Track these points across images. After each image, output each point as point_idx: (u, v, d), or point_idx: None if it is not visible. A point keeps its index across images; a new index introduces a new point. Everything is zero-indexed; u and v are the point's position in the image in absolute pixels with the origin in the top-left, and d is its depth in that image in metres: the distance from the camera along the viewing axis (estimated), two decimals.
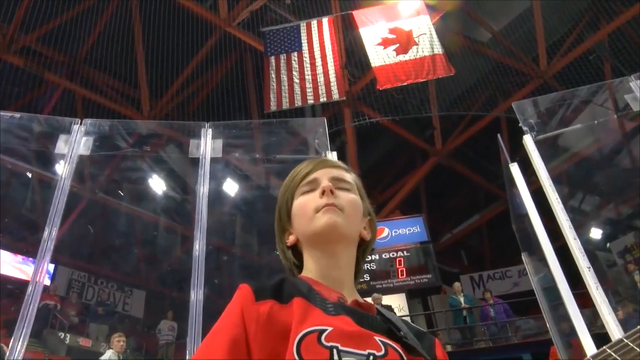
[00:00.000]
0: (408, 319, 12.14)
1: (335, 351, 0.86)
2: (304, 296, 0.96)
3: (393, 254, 12.45)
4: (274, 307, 0.93)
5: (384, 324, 0.98)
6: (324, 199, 1.04)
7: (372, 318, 0.98)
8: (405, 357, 0.92)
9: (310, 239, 1.06)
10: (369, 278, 12.09)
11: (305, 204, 1.06)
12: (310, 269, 1.05)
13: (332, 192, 1.04)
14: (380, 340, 0.91)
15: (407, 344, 0.95)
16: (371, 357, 0.88)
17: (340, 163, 1.15)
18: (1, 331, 9.63)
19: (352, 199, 1.07)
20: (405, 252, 12.48)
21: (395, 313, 1.10)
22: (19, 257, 13.35)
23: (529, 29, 13.53)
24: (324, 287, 1.01)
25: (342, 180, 1.09)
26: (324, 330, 0.88)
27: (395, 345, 0.92)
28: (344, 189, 1.08)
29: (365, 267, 10.60)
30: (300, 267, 1.10)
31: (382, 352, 0.89)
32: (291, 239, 1.10)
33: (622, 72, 11.72)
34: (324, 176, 1.08)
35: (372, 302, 1.06)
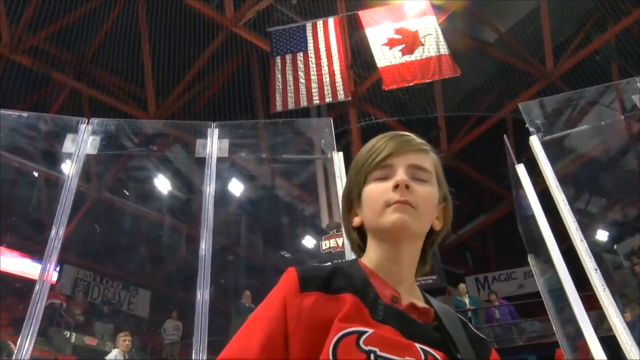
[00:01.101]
0: None
1: (372, 356, 0.84)
2: (356, 292, 0.92)
3: None
4: (319, 300, 0.90)
5: (436, 333, 0.94)
6: (397, 193, 0.95)
7: (422, 328, 0.94)
8: None
9: (375, 231, 0.99)
10: None
11: (376, 194, 0.97)
12: (371, 257, 1.00)
13: (407, 186, 0.95)
14: (421, 348, 0.88)
15: (454, 356, 0.91)
16: None
17: (420, 144, 1.02)
18: (7, 329, 9.68)
19: (427, 193, 0.98)
20: None
21: (455, 313, 1.07)
22: (25, 256, 13.41)
23: (535, 29, 13.48)
24: (380, 281, 0.96)
25: (421, 168, 0.99)
26: (364, 333, 0.86)
27: (436, 354, 0.89)
28: (421, 180, 0.98)
29: None
30: (363, 248, 1.04)
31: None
32: (357, 221, 1.02)
33: (629, 73, 11.66)
34: (401, 164, 0.97)
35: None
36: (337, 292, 0.91)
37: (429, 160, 1.02)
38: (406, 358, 0.86)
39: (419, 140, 1.02)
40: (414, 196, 0.95)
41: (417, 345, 0.88)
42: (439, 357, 0.89)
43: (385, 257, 0.98)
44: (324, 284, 0.92)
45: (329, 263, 1.00)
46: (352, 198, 1.02)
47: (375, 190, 0.97)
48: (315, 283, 0.92)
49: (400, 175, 0.96)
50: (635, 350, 2.92)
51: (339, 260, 1.03)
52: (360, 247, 1.05)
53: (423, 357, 0.87)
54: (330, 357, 0.82)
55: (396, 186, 0.95)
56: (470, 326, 1.02)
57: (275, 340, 0.87)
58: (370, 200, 0.98)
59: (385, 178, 0.97)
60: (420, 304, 0.98)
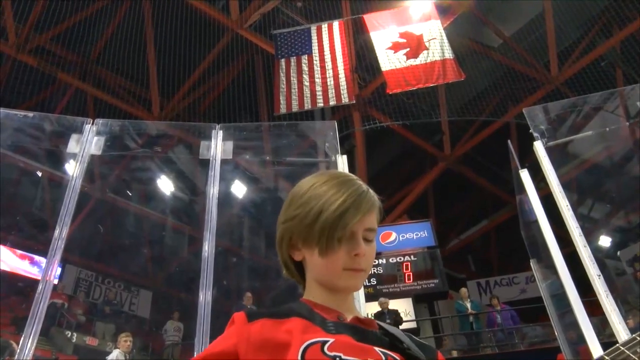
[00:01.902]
0: (414, 324, 12.04)
1: None
2: (303, 317, 0.97)
3: (400, 259, 12.42)
4: (267, 323, 0.94)
5: (386, 337, 1.00)
6: (355, 261, 0.99)
7: (373, 334, 1.00)
8: None
9: (325, 284, 1.03)
10: (375, 282, 12.07)
11: (336, 259, 0.99)
12: (314, 296, 1.04)
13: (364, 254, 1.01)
14: (381, 351, 0.94)
15: (409, 355, 0.97)
16: None
17: (374, 202, 1.03)
18: (9, 328, 9.71)
19: (373, 253, 1.04)
20: (412, 257, 12.44)
21: (401, 319, 1.10)
22: (28, 255, 13.45)
23: (540, 34, 13.47)
24: (325, 309, 1.02)
25: (371, 229, 1.02)
26: (327, 341, 0.91)
27: (395, 355, 0.95)
28: (370, 240, 1.02)
29: (372, 271, 10.50)
30: (299, 278, 1.09)
31: None
32: (299, 256, 1.05)
33: (634, 79, 11.65)
34: (360, 230, 0.99)
35: (380, 307, 1.07)
36: (284, 317, 0.97)
37: (376, 215, 1.04)
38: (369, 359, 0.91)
39: (371, 193, 1.03)
40: (366, 261, 1.01)
41: (376, 348, 0.94)
42: (397, 358, 0.95)
43: (330, 298, 1.03)
44: (269, 313, 0.98)
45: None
46: (298, 238, 1.02)
47: (336, 256, 0.98)
48: (261, 314, 0.98)
49: (361, 247, 0.99)
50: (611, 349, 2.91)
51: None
52: (296, 276, 1.10)
53: (383, 358, 0.92)
54: None
55: (356, 254, 0.99)
56: (414, 336, 1.08)
57: None
58: (329, 262, 0.99)
59: (343, 239, 0.99)
60: (363, 316, 1.05)
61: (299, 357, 0.87)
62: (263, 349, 0.90)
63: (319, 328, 0.95)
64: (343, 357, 0.89)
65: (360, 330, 0.98)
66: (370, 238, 1.02)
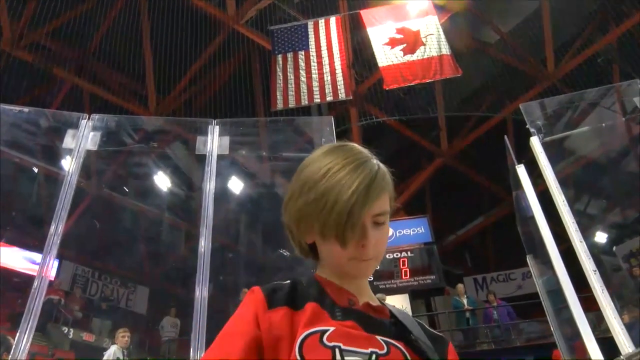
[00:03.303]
0: None
1: (337, 350, 0.87)
2: (315, 300, 0.96)
3: (397, 255, 12.44)
4: (287, 314, 0.93)
5: (394, 327, 0.98)
6: (363, 253, 0.97)
7: (380, 322, 0.98)
8: (409, 356, 0.92)
9: (336, 270, 1.01)
10: (372, 278, 12.06)
11: (342, 249, 0.96)
12: (326, 272, 1.03)
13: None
14: (383, 340, 0.92)
15: (414, 346, 0.95)
16: (374, 356, 0.89)
17: (384, 185, 1.00)
18: (5, 324, 9.69)
19: (385, 237, 1.00)
20: (409, 253, 12.46)
21: (409, 314, 1.08)
22: (24, 251, 13.41)
23: (537, 31, 13.47)
24: (336, 289, 1.00)
25: (381, 214, 0.98)
26: (326, 331, 0.89)
27: (398, 345, 0.93)
28: (380, 224, 0.99)
29: None
30: (316, 256, 1.06)
31: (385, 351, 0.90)
32: (310, 239, 1.03)
33: (630, 75, 11.66)
34: (368, 219, 0.96)
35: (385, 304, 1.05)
36: (302, 304, 0.95)
37: (388, 194, 1.01)
38: (370, 349, 0.89)
39: (380, 175, 0.99)
40: (375, 249, 0.98)
41: (379, 337, 0.92)
42: (400, 347, 0.93)
43: (343, 280, 1.02)
44: (288, 299, 0.96)
45: (288, 281, 1.02)
46: (314, 226, 0.98)
47: (344, 247, 0.96)
48: (280, 299, 0.95)
49: (369, 238, 0.96)
50: (632, 351, 2.93)
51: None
52: (310, 255, 1.07)
53: (386, 348, 0.91)
54: (297, 356, 0.86)
55: (363, 245, 0.96)
56: (427, 327, 1.06)
57: (253, 353, 0.89)
58: (337, 252, 0.97)
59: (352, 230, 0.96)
60: (376, 303, 1.02)
61: (297, 348, 0.87)
62: (283, 343, 0.89)
63: (326, 314, 0.94)
64: (342, 347, 0.88)
65: (368, 318, 0.97)
66: (381, 221, 0.98)
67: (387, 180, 1.01)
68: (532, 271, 5.70)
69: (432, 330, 1.06)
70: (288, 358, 0.87)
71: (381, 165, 1.02)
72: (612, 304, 3.22)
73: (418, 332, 0.99)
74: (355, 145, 1.06)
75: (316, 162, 1.00)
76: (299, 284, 1.00)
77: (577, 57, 13.08)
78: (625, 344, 2.97)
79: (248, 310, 0.95)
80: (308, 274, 1.08)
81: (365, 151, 1.03)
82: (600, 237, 13.93)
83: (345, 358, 0.87)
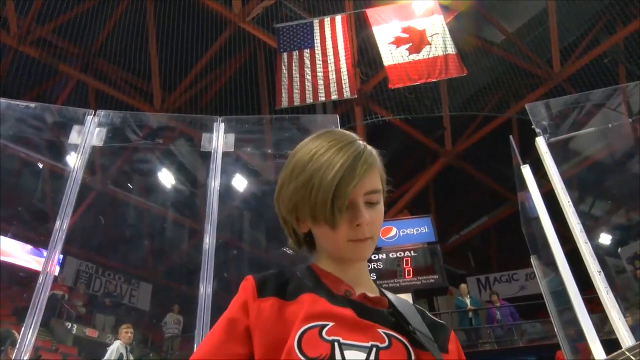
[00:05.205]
0: None
1: (336, 344, 0.86)
2: (310, 290, 0.95)
3: (400, 254, 12.42)
4: (276, 304, 0.93)
5: (392, 317, 0.97)
6: (359, 231, 0.95)
7: (377, 312, 0.96)
8: (411, 350, 0.91)
9: (333, 255, 1.01)
10: (375, 277, 12.07)
11: (337, 231, 0.95)
12: (324, 265, 1.02)
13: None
14: (384, 332, 0.91)
15: (413, 338, 0.93)
16: (374, 349, 0.87)
17: (371, 162, 0.98)
18: (10, 319, 9.74)
19: (380, 216, 0.99)
20: (412, 252, 12.44)
21: (411, 303, 1.06)
22: (29, 247, 13.47)
23: (543, 30, 13.42)
24: (333, 279, 0.99)
25: (373, 191, 0.97)
26: (325, 325, 0.88)
27: (400, 337, 0.91)
28: (374, 203, 0.97)
29: (372, 266, 10.50)
30: (311, 246, 1.06)
31: (386, 344, 0.89)
32: (305, 227, 1.01)
33: (637, 76, 11.61)
34: (360, 197, 0.95)
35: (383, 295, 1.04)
36: (293, 297, 0.94)
37: (377, 172, 1.00)
38: (370, 343, 0.88)
39: (367, 153, 0.97)
40: (371, 228, 0.96)
41: (380, 330, 0.91)
42: (403, 340, 0.91)
43: (340, 267, 1.01)
44: (279, 289, 0.95)
45: (282, 270, 1.01)
46: (303, 212, 0.97)
47: (339, 228, 0.94)
48: (271, 288, 0.96)
49: (363, 216, 0.94)
50: (634, 344, 2.91)
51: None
52: (304, 245, 1.07)
53: (387, 341, 0.89)
54: (296, 351, 0.85)
55: (358, 224, 0.94)
56: (428, 314, 1.05)
57: (238, 340, 0.90)
58: (332, 234, 0.95)
59: (343, 209, 0.94)
60: (373, 294, 1.00)
61: (295, 343, 0.86)
62: (271, 331, 0.90)
63: (324, 299, 0.93)
64: (342, 340, 0.86)
65: (364, 307, 0.95)
66: (373, 200, 0.97)
67: (374, 157, 1.00)
68: (536, 272, 5.68)
69: (433, 317, 1.04)
70: (273, 347, 0.87)
71: (368, 146, 1.01)
72: (616, 305, 3.20)
73: (418, 322, 0.97)
74: (342, 130, 1.05)
75: (303, 148, 1.01)
76: (293, 274, 1.00)
77: (583, 57, 13.02)
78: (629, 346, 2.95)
79: (238, 298, 0.96)
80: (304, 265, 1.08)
81: (351, 134, 1.02)
82: (605, 239, 13.90)
83: (345, 352, 0.85)
